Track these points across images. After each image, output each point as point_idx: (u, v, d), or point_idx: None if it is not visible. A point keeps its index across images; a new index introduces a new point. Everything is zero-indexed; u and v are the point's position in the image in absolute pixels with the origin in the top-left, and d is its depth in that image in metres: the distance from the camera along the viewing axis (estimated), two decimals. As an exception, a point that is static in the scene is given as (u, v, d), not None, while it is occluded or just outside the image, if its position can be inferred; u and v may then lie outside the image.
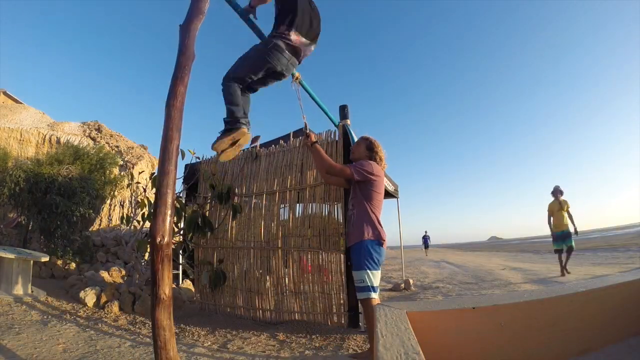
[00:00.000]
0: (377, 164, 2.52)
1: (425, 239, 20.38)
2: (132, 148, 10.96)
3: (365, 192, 2.42)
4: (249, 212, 4.05)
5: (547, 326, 0.90)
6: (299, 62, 2.44)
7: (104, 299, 3.79)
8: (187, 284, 5.41)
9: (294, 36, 2.26)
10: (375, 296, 2.20)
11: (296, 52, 2.33)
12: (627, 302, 1.04)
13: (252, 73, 2.28)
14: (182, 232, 4.46)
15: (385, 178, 5.58)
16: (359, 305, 3.28)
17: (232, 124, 2.28)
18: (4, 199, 5.46)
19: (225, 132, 2.28)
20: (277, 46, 2.23)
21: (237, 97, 2.28)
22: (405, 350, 0.52)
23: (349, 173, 2.43)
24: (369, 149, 2.57)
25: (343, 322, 3.28)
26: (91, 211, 5.81)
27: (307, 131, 2.78)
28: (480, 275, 7.55)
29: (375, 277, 2.26)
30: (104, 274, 4.94)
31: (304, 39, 2.32)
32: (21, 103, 11.10)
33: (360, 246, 2.30)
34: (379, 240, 2.33)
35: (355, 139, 3.50)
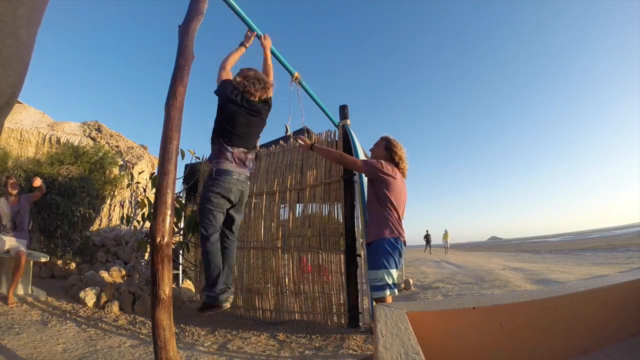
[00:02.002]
0: (397, 163, 2.47)
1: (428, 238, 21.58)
2: (132, 148, 10.96)
3: (380, 191, 2.37)
4: (249, 212, 4.05)
5: (547, 326, 0.90)
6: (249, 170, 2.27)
7: (104, 299, 3.79)
8: (187, 284, 5.41)
9: (234, 152, 2.14)
10: (390, 294, 2.19)
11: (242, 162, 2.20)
12: (627, 302, 1.04)
13: (211, 218, 2.08)
14: (182, 232, 4.46)
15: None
16: (359, 304, 3.28)
17: (208, 299, 2.08)
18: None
19: (204, 309, 2.14)
20: (218, 172, 2.09)
21: (212, 258, 2.08)
22: (405, 350, 0.52)
23: (360, 166, 2.42)
24: (387, 148, 2.51)
25: (343, 322, 3.28)
26: (91, 211, 5.82)
27: (301, 137, 2.73)
28: (480, 275, 7.55)
29: (392, 276, 2.24)
30: (104, 274, 4.94)
31: (242, 150, 2.19)
32: (21, 103, 11.09)
33: (377, 244, 2.28)
34: (396, 238, 2.30)
35: (356, 139, 3.50)
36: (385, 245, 2.26)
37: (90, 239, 6.23)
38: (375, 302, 2.24)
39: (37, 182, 3.75)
